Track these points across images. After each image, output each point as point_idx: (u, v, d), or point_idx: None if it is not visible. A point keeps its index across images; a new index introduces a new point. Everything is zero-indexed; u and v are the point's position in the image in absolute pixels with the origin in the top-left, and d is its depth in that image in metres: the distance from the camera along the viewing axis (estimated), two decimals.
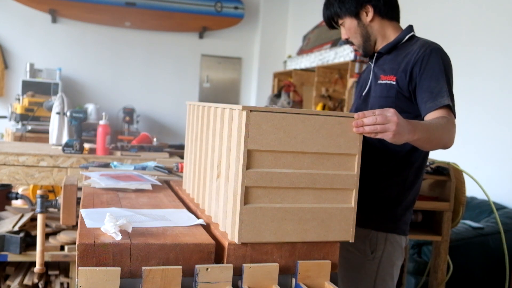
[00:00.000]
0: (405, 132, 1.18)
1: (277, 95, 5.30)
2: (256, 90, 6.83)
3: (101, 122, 2.60)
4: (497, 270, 2.84)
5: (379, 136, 1.14)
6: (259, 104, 6.16)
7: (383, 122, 1.13)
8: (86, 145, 2.76)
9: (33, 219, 2.40)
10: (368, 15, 1.61)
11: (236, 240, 1.03)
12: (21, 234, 2.21)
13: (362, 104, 1.67)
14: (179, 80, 6.72)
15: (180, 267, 0.97)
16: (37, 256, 1.59)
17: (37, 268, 1.60)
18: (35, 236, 2.22)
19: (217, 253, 1.05)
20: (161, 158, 2.56)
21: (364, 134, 1.13)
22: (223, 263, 1.04)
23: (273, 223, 1.05)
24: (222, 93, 6.98)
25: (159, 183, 1.67)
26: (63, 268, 2.41)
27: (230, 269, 1.00)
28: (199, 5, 6.34)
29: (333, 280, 1.09)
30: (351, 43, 1.70)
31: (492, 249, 2.77)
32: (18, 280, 2.27)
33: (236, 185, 1.03)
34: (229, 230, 1.06)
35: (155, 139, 3.22)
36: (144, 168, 1.98)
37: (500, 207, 3.04)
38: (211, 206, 1.23)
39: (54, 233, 2.34)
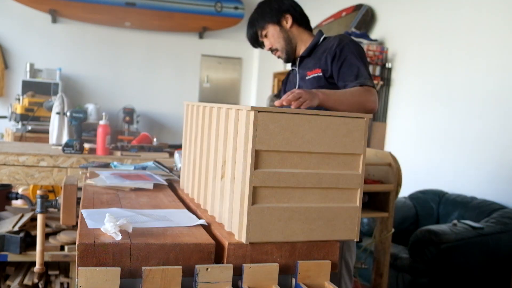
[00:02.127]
0: (313, 95, 1.51)
1: (277, 95, 5.30)
2: (256, 90, 6.83)
3: (101, 122, 2.60)
4: (497, 270, 2.85)
5: (303, 105, 1.45)
6: (259, 104, 6.16)
7: (296, 97, 1.46)
8: (86, 145, 2.76)
9: (33, 219, 2.40)
10: (288, 22, 1.91)
11: (243, 240, 1.03)
12: (21, 234, 2.21)
13: None
14: (179, 80, 6.73)
15: (180, 267, 0.97)
16: (37, 256, 1.59)
17: (37, 268, 1.60)
18: (35, 236, 2.22)
19: (217, 253, 1.05)
20: (161, 158, 2.56)
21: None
22: (223, 263, 1.04)
23: (280, 223, 1.05)
24: (222, 93, 6.99)
25: (165, 183, 1.67)
26: (63, 268, 2.41)
27: (230, 269, 1.00)
28: (199, 5, 6.34)
29: (333, 280, 1.09)
30: (275, 50, 1.96)
31: (492, 249, 2.77)
32: (18, 280, 2.27)
33: (244, 185, 1.03)
34: (236, 230, 1.06)
35: (155, 139, 3.22)
36: (144, 168, 1.98)
37: (500, 207, 3.04)
38: (214, 206, 1.23)
39: (54, 233, 2.34)
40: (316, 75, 1.82)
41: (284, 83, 2.10)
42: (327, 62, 1.78)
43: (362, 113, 1.11)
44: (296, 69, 1.97)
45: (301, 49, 1.94)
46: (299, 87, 1.92)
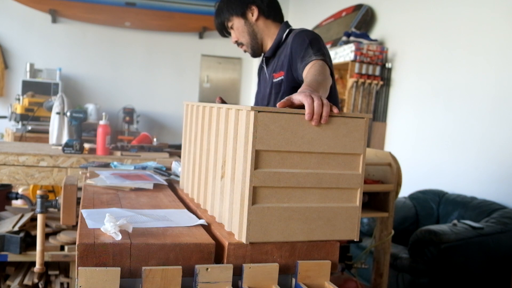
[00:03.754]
0: (317, 93, 1.09)
1: None
2: (256, 90, 6.83)
3: (101, 122, 2.60)
4: (497, 270, 2.85)
5: (321, 110, 1.03)
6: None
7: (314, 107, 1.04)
8: (86, 145, 2.76)
9: (33, 219, 2.40)
10: (253, 14, 1.82)
11: (243, 240, 1.03)
12: (21, 234, 2.21)
13: (267, 105, 1.88)
14: (179, 80, 6.73)
15: (180, 267, 0.97)
16: (37, 256, 1.59)
17: (37, 268, 1.60)
18: (35, 236, 2.22)
19: (217, 253, 1.05)
20: (161, 158, 2.56)
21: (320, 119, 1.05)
22: (223, 263, 1.04)
23: (280, 223, 1.05)
24: (222, 93, 6.98)
25: (166, 183, 1.67)
26: (63, 268, 2.42)
27: (230, 269, 1.00)
28: (199, 5, 6.34)
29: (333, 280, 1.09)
30: (240, 44, 1.88)
31: (492, 249, 2.77)
32: (18, 280, 2.27)
33: (244, 185, 1.03)
34: (236, 230, 1.06)
35: (155, 139, 3.22)
36: (144, 168, 1.98)
37: (500, 207, 3.04)
38: (214, 206, 1.23)
39: (54, 233, 2.34)
40: (280, 78, 1.77)
41: (258, 82, 2.03)
42: (287, 60, 1.72)
43: (363, 113, 1.11)
44: (265, 68, 1.92)
45: (268, 44, 1.87)
46: (269, 89, 1.87)
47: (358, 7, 4.78)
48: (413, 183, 3.68)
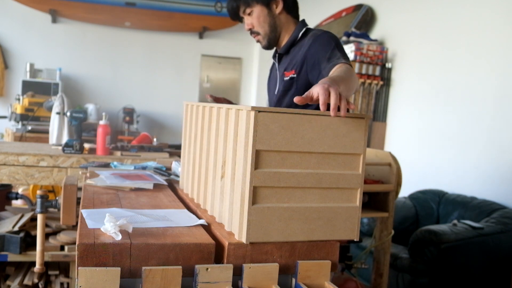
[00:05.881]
0: (336, 86, 1.08)
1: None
2: (256, 90, 6.83)
3: (101, 122, 2.60)
4: (497, 270, 2.85)
5: (339, 103, 1.04)
6: (259, 104, 6.16)
7: (327, 96, 1.04)
8: (86, 145, 2.76)
9: (33, 219, 2.40)
10: (277, 7, 1.78)
11: (244, 240, 1.03)
12: (21, 234, 2.21)
13: (277, 102, 1.84)
14: (179, 80, 6.73)
15: (180, 267, 0.97)
16: (37, 256, 1.60)
17: (37, 268, 1.60)
18: (35, 236, 2.22)
19: (217, 253, 1.05)
20: (161, 158, 2.56)
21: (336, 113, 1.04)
22: (223, 263, 1.04)
23: (280, 223, 1.05)
24: (222, 93, 6.98)
25: (166, 183, 1.67)
26: (63, 268, 2.41)
27: (230, 269, 1.00)
28: (199, 5, 6.34)
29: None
30: (255, 33, 1.82)
31: (492, 249, 2.77)
32: (18, 280, 2.27)
33: (244, 185, 1.03)
34: (236, 230, 1.06)
35: (155, 139, 3.22)
36: (144, 168, 1.98)
37: (500, 207, 3.04)
38: (214, 206, 1.23)
39: (54, 233, 2.34)
40: (291, 76, 1.74)
41: (269, 75, 2.01)
42: (302, 59, 1.69)
43: (363, 113, 1.11)
44: (276, 64, 1.88)
45: (284, 39, 1.83)
46: (279, 86, 1.83)
47: (358, 7, 4.78)
48: (413, 183, 3.68)
